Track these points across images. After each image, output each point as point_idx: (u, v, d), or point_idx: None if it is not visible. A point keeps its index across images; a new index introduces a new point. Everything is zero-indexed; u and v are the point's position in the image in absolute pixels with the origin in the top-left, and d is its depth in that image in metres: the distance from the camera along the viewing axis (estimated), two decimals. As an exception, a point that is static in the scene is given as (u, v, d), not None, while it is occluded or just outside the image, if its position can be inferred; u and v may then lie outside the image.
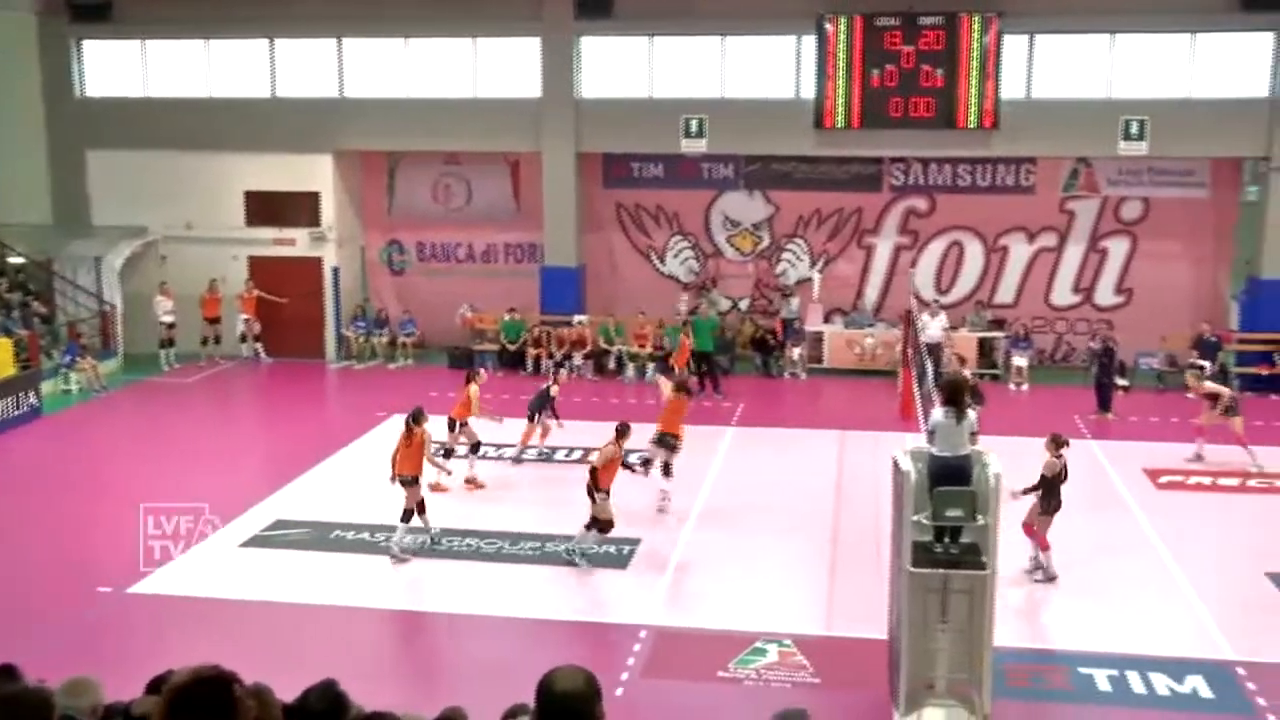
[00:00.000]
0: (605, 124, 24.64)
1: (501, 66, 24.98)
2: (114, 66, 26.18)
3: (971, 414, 10.51)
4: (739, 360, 25.17)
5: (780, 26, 23.92)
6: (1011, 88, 23.11)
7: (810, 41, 23.49)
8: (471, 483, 17.02)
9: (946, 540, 9.91)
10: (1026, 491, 13.37)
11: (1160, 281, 24.65)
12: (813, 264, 25.97)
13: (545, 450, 18.48)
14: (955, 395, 10.35)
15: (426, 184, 27.00)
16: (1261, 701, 10.82)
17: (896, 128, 23.32)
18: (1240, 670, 11.40)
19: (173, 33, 25.63)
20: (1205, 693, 11.02)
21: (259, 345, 25.82)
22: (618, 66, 24.68)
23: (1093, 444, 18.74)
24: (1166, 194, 24.61)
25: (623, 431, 14.46)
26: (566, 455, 18.42)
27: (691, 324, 23.62)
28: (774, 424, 20.96)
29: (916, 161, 25.13)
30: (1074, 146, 24.00)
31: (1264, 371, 23.00)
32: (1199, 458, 18.10)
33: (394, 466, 14.58)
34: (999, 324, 24.85)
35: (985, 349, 24.48)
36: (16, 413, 20.68)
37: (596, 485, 13.88)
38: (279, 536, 15.12)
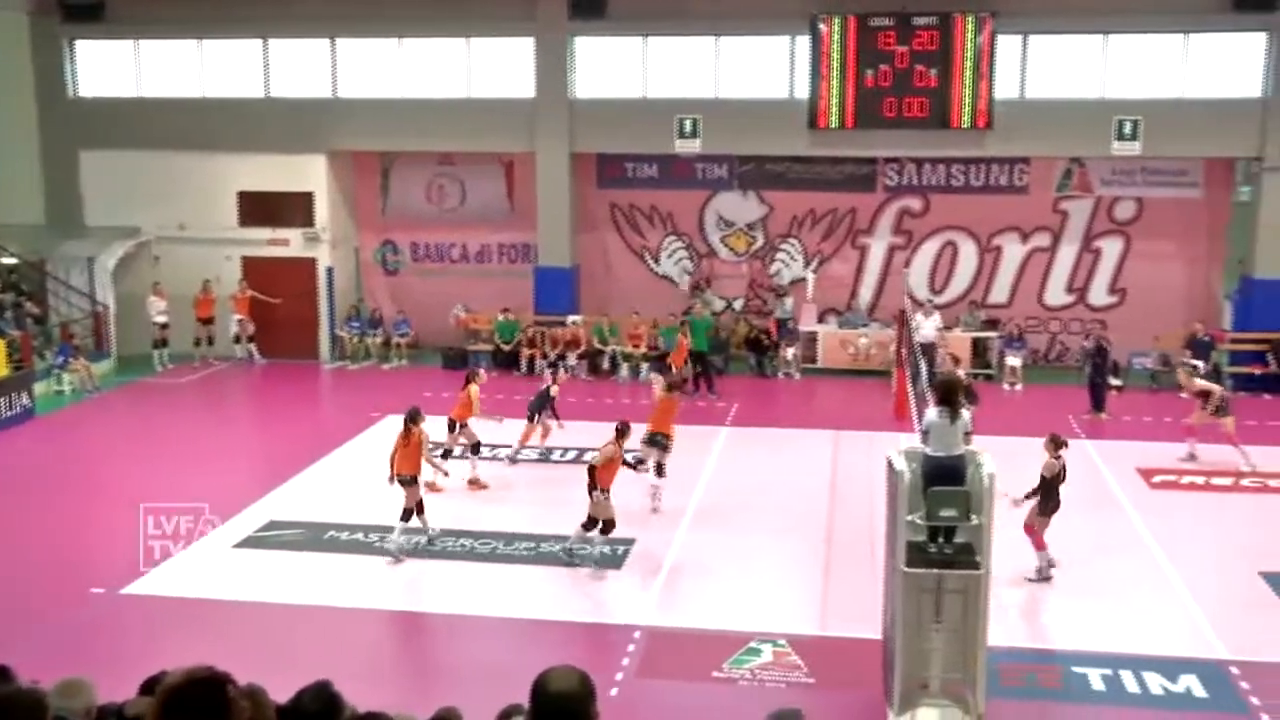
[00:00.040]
0: (599, 124, 24.64)
1: (495, 67, 24.97)
2: (107, 66, 26.14)
3: (965, 414, 10.51)
4: (733, 360, 25.19)
5: (774, 26, 23.94)
6: (1005, 88, 23.15)
7: (804, 42, 23.52)
8: (475, 483, 16.99)
9: (941, 540, 9.92)
10: (1028, 497, 13.39)
11: (1153, 281, 24.70)
12: (807, 264, 25.98)
13: (542, 450, 18.47)
14: (949, 395, 10.36)
15: (420, 184, 26.99)
16: (1255, 701, 10.84)
17: (890, 128, 23.35)
18: (1234, 669, 11.42)
19: (166, 33, 25.59)
20: (1199, 692, 11.03)
21: (252, 346, 25.78)
22: (612, 67, 24.68)
23: (1086, 444, 18.75)
24: (1160, 194, 24.66)
25: (623, 431, 14.45)
26: (561, 455, 18.42)
27: (689, 324, 23.61)
28: (768, 424, 20.98)
29: (910, 161, 25.16)
30: (1067, 146, 24.04)
31: (1257, 371, 23.07)
32: (1192, 457, 18.13)
33: (392, 466, 14.58)
34: (993, 324, 24.88)
35: (979, 349, 24.50)
36: (9, 414, 20.63)
37: (596, 484, 13.86)
38: (273, 537, 15.10)
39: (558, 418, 18.32)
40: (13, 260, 25.04)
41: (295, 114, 25.24)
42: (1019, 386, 23.44)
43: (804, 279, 25.73)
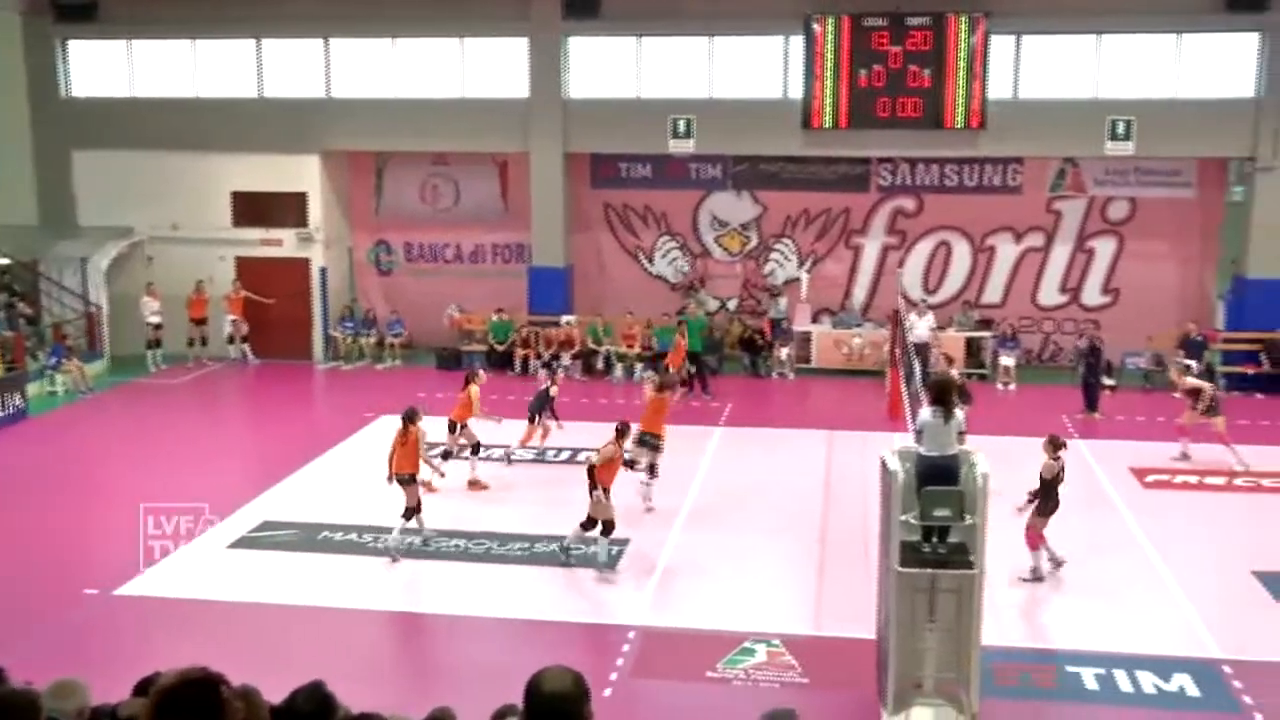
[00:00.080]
0: (593, 124, 24.63)
1: (489, 67, 24.95)
2: (100, 66, 26.07)
3: (959, 414, 10.54)
4: (727, 360, 25.17)
5: (768, 27, 23.94)
6: (998, 88, 23.17)
7: (798, 42, 23.52)
8: (475, 484, 16.97)
9: (934, 540, 9.94)
10: (1030, 500, 13.41)
11: (1147, 281, 24.74)
12: (800, 264, 25.99)
13: (538, 451, 18.42)
14: (943, 395, 10.38)
15: (414, 184, 26.96)
16: (1248, 699, 10.87)
17: (884, 128, 23.36)
18: (1226, 668, 11.44)
19: (159, 32, 25.54)
20: (1192, 691, 11.06)
21: (246, 346, 25.74)
22: (605, 67, 24.67)
23: (1080, 443, 18.77)
24: (1153, 194, 24.69)
25: (622, 431, 14.46)
26: (555, 455, 18.41)
27: (687, 325, 23.55)
28: (762, 424, 20.98)
29: (904, 162, 25.17)
30: (1061, 146, 24.07)
31: (1250, 371, 23.10)
32: (1185, 456, 18.17)
33: (391, 466, 14.58)
34: (986, 324, 24.91)
35: (973, 349, 24.52)
36: (2, 415, 20.59)
37: (596, 484, 13.84)
38: (267, 537, 15.08)
39: (556, 418, 18.31)
40: (5, 261, 24.98)
41: (289, 114, 25.20)
42: (1012, 386, 23.47)
43: (798, 279, 25.73)
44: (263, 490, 16.78)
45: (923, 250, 25.65)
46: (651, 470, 16.05)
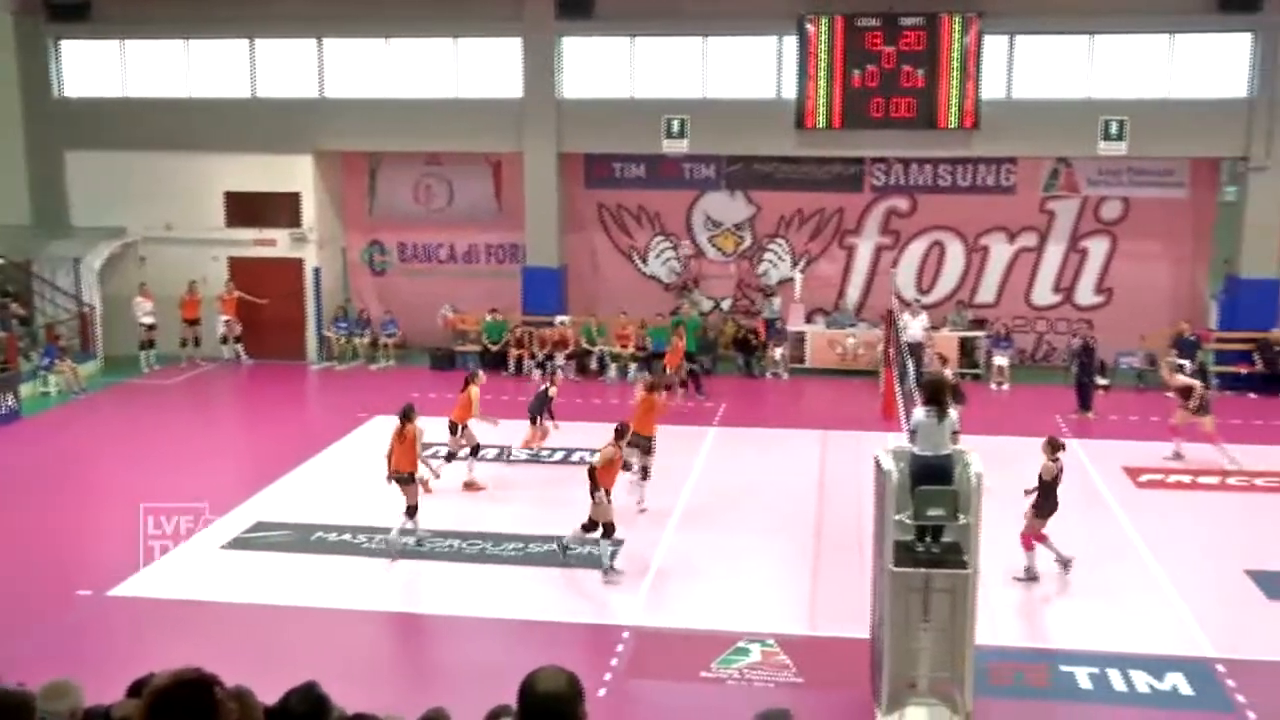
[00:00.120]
0: (587, 124, 24.63)
1: (483, 67, 24.94)
2: (93, 66, 26.04)
3: (953, 413, 10.54)
4: (721, 360, 25.18)
5: (761, 27, 23.96)
6: (992, 88, 23.21)
7: (791, 42, 23.54)
8: (471, 485, 16.93)
9: (928, 539, 9.94)
10: (1033, 504, 13.42)
11: (1140, 281, 24.79)
12: (794, 264, 26.01)
13: (534, 451, 18.39)
14: (937, 395, 10.39)
15: (408, 184, 26.94)
16: (1241, 698, 10.88)
17: (877, 128, 23.39)
18: (1220, 667, 11.47)
19: (152, 32, 25.50)
20: (1185, 690, 11.08)
21: (239, 346, 25.71)
22: (599, 67, 24.67)
23: (1073, 443, 18.77)
24: (1146, 194, 24.74)
25: (621, 432, 14.44)
26: (549, 455, 18.40)
27: (684, 325, 23.49)
28: (756, 424, 20.98)
29: (897, 162, 25.20)
30: (1054, 146, 24.11)
31: (1243, 370, 23.15)
32: (1178, 456, 18.20)
33: (389, 465, 14.57)
34: (980, 323, 24.94)
35: (966, 348, 24.56)
36: (-5, 415, 20.59)
37: (597, 486, 13.83)
38: (260, 538, 15.06)
39: (554, 419, 18.30)
40: (-2, 261, 24.98)
41: (282, 114, 25.17)
42: (1006, 386, 23.51)
43: (791, 279, 25.75)
44: (256, 491, 16.75)
45: (916, 250, 25.67)
46: (644, 473, 16.01)
